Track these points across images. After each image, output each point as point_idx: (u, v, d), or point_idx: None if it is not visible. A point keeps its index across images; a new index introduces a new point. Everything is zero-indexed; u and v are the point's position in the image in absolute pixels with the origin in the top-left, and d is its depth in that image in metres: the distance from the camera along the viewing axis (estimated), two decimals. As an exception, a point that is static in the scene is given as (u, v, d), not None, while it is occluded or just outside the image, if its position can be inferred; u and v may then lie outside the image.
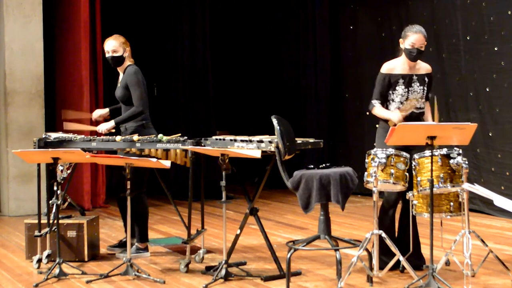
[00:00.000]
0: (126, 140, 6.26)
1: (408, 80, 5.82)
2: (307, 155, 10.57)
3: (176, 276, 5.93)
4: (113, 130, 6.67)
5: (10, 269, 6.32)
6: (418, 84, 5.84)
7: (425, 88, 5.87)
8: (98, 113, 6.90)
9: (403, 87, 5.81)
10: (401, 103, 5.81)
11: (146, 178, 6.59)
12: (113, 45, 6.59)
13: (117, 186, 6.65)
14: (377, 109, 5.83)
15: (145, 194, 6.65)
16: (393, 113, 5.71)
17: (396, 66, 5.84)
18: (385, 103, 5.85)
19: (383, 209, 5.82)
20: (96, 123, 7.06)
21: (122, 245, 6.78)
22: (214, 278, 5.60)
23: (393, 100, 5.83)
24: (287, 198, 10.37)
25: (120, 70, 6.71)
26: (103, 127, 6.62)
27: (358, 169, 5.89)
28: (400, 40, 5.84)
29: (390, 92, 5.82)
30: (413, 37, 5.73)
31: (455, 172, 5.36)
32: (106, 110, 6.88)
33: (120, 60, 6.62)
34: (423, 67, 5.91)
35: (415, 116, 5.82)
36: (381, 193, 5.53)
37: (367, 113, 5.96)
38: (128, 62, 6.67)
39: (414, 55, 5.75)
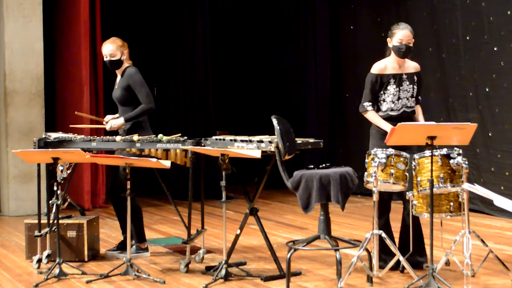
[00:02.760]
0: (126, 140, 6.26)
1: (398, 79, 5.83)
2: (307, 155, 10.57)
3: (176, 276, 5.93)
4: (123, 127, 6.64)
5: (10, 269, 6.32)
6: (408, 83, 5.86)
7: (415, 87, 5.88)
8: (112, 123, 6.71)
9: (394, 86, 5.82)
10: (393, 102, 5.82)
11: (139, 180, 6.57)
12: (110, 49, 6.58)
13: (111, 189, 6.67)
14: (371, 115, 5.81)
15: (136, 196, 6.61)
16: (389, 126, 5.66)
17: (386, 66, 5.86)
18: (376, 103, 5.85)
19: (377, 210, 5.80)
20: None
21: (120, 248, 6.76)
22: (214, 278, 5.60)
23: (384, 101, 5.84)
24: (287, 198, 10.38)
25: (118, 72, 6.70)
26: (114, 123, 6.56)
27: (358, 169, 5.89)
28: (388, 39, 5.86)
29: (382, 92, 5.83)
30: (400, 33, 5.77)
31: (455, 172, 5.36)
32: (122, 121, 6.56)
33: (118, 63, 6.61)
34: (412, 66, 5.94)
35: (406, 116, 5.82)
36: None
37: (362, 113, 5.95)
38: (126, 64, 6.66)
39: (403, 51, 5.77)
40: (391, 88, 5.81)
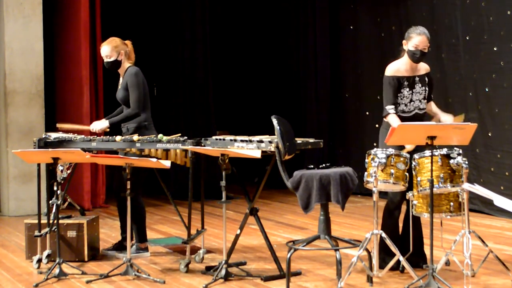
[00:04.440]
0: (126, 140, 6.26)
1: (411, 82, 5.82)
2: (307, 155, 10.57)
3: (176, 276, 5.93)
4: (108, 130, 6.66)
5: (10, 269, 6.33)
6: (420, 85, 5.85)
7: (427, 89, 5.87)
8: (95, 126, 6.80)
9: (407, 89, 5.81)
10: (405, 105, 5.81)
11: (143, 180, 6.58)
12: (105, 51, 6.58)
13: (117, 188, 6.66)
14: (391, 118, 5.75)
15: (141, 196, 6.64)
16: None
17: (400, 68, 5.83)
18: (397, 105, 5.82)
19: (388, 210, 5.82)
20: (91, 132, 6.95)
21: (117, 248, 6.77)
22: (214, 278, 5.60)
23: (398, 103, 5.83)
24: (287, 198, 10.38)
25: (120, 72, 6.69)
26: (97, 126, 6.61)
27: (358, 169, 5.89)
28: (404, 41, 5.83)
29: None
30: (416, 39, 5.73)
31: (455, 172, 5.37)
32: (106, 123, 6.64)
33: (115, 64, 6.60)
34: (423, 67, 5.92)
35: (418, 118, 5.82)
36: (382, 194, 5.53)
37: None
38: (127, 63, 6.65)
39: (418, 57, 5.75)
40: (404, 91, 5.80)
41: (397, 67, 5.83)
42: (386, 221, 5.77)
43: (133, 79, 6.52)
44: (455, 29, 9.13)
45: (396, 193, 5.76)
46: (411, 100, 5.82)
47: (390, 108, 5.79)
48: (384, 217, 5.78)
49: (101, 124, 6.61)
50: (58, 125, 7.04)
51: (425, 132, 5.13)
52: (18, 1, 9.43)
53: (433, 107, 6.00)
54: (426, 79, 5.89)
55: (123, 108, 6.70)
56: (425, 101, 5.88)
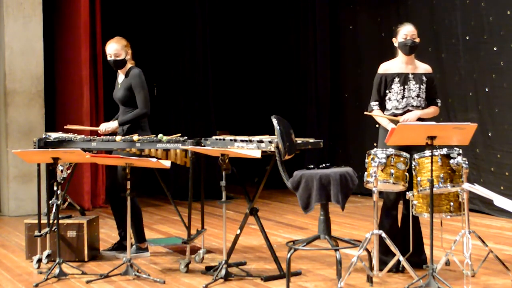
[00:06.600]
0: (126, 140, 6.26)
1: (403, 78, 5.83)
2: (307, 155, 10.57)
3: (176, 276, 5.93)
4: (117, 131, 6.66)
5: (10, 269, 6.33)
6: (414, 82, 5.85)
7: (421, 87, 5.86)
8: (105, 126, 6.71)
9: (398, 85, 5.82)
10: (397, 101, 5.82)
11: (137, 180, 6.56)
12: (115, 49, 6.57)
13: (108, 187, 6.67)
14: (376, 114, 5.85)
15: (136, 196, 6.61)
16: (390, 125, 5.69)
17: (392, 65, 5.88)
18: (382, 103, 5.87)
19: (384, 210, 5.83)
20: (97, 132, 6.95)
21: (117, 248, 6.77)
22: (214, 278, 5.60)
23: (389, 99, 5.85)
24: (287, 198, 10.38)
25: (121, 71, 6.69)
26: (107, 127, 6.61)
27: (358, 169, 5.89)
28: (393, 39, 5.88)
29: (387, 91, 5.85)
30: (404, 29, 5.81)
31: (455, 172, 5.37)
32: (116, 124, 6.60)
33: (122, 63, 6.61)
34: (422, 67, 5.93)
35: None
36: (381, 193, 5.53)
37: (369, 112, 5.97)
38: (129, 64, 6.67)
39: (409, 46, 5.77)
40: (395, 86, 5.82)
41: (389, 66, 5.88)
42: (383, 220, 5.76)
43: (138, 80, 6.53)
44: (454, 29, 9.13)
45: (390, 192, 5.76)
46: (403, 97, 5.83)
47: (374, 105, 5.87)
48: (381, 217, 5.77)
49: (112, 125, 6.60)
50: (66, 127, 7.05)
51: (425, 132, 5.14)
52: (18, 1, 9.43)
53: (424, 111, 5.84)
54: (424, 78, 5.88)
55: (121, 108, 6.67)
56: (419, 99, 5.84)
